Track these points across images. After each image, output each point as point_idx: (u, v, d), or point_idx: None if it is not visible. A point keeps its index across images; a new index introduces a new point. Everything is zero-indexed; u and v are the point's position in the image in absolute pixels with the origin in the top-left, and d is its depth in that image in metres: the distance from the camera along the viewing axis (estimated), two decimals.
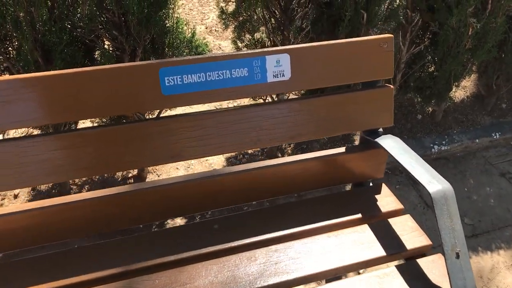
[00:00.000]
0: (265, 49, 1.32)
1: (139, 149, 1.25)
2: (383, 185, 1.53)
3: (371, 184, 1.57)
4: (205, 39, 2.12)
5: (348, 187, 2.00)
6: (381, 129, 1.56)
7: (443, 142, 3.04)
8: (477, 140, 3.05)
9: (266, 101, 2.87)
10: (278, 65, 1.35)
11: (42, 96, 1.13)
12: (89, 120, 2.45)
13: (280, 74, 1.36)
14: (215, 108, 1.39)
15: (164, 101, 1.27)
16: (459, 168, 2.95)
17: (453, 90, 2.87)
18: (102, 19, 1.77)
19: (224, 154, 2.65)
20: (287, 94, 2.63)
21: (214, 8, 5.14)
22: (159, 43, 1.97)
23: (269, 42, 2.53)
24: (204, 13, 5.25)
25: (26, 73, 1.78)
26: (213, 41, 4.50)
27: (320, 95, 1.46)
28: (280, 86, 1.37)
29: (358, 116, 1.45)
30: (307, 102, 1.43)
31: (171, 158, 1.35)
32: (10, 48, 1.72)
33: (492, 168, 2.95)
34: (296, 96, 2.96)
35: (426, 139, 3.07)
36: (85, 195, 1.30)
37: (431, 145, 3.02)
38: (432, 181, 1.13)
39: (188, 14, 5.35)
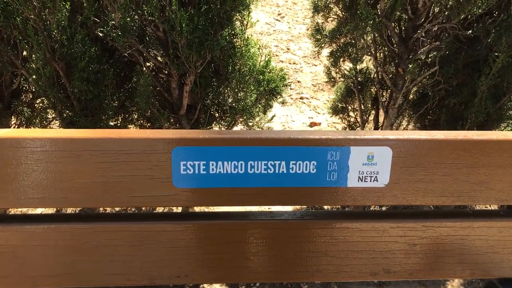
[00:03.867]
0: (350, 135, 0.88)
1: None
2: None
3: None
4: (282, 70, 1.70)
5: None
6: None
7: None
8: None
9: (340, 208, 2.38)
10: (370, 162, 0.90)
11: None
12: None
13: (371, 177, 0.92)
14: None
15: (174, 196, 0.89)
16: None
17: None
18: (143, 32, 1.43)
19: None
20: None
21: None
22: (222, 68, 1.59)
23: (375, 75, 2.05)
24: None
25: (41, 91, 1.51)
26: (309, 60, 4.05)
27: (430, 213, 1.00)
28: (367, 196, 0.94)
29: (490, 255, 1.04)
30: (412, 225, 0.97)
31: (176, 278, 0.97)
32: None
33: None
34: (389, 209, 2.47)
35: None
36: None
37: None
38: None
39: (290, 8, 4.98)
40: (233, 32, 1.54)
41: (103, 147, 0.85)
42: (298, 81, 3.77)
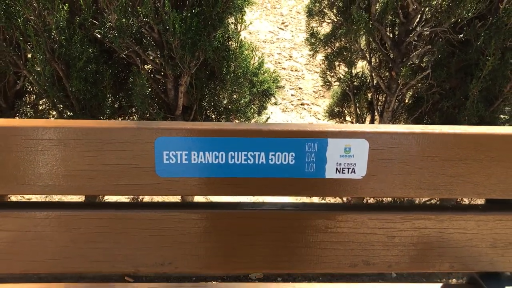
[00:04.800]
0: (328, 127, 0.90)
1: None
2: None
3: None
4: (275, 72, 1.73)
5: None
6: (508, 273, 1.09)
7: None
8: None
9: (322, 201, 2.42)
10: (348, 154, 0.93)
11: None
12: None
13: (348, 168, 0.95)
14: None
15: (157, 185, 0.91)
16: None
17: None
18: (140, 34, 1.48)
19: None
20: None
21: None
22: (217, 69, 1.63)
23: (370, 80, 2.08)
24: None
25: (41, 90, 1.55)
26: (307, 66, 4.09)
27: (408, 206, 1.02)
28: (345, 187, 0.96)
29: (469, 248, 1.05)
30: (390, 217, 0.99)
31: (160, 266, 1.00)
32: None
33: None
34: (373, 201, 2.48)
35: None
36: None
37: None
38: None
39: (294, 17, 5.04)
40: (227, 34, 1.58)
41: (89, 136, 0.88)
42: (300, 88, 3.80)
